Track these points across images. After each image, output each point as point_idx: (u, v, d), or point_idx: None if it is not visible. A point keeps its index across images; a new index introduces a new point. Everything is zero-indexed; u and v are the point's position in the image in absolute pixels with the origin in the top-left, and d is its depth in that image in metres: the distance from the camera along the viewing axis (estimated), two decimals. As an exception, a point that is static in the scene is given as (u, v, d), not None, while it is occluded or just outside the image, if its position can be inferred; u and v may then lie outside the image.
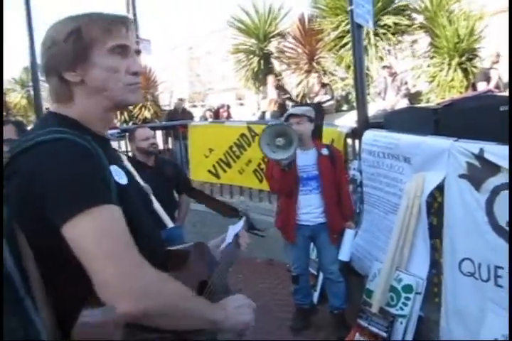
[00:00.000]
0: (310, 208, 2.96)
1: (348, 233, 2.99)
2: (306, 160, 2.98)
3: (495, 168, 2.05)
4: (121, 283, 0.79)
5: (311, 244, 3.17)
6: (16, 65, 14.06)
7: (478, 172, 2.16)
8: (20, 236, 0.82)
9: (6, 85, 14.94)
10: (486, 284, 2.05)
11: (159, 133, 5.89)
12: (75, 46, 0.93)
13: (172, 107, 9.87)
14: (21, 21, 5.47)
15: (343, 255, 2.99)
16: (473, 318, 2.11)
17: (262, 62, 10.21)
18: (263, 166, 4.95)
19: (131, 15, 12.85)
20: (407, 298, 2.38)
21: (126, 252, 0.82)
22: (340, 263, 3.05)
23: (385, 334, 2.43)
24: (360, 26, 3.27)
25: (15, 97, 14.54)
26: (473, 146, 2.12)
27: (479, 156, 2.11)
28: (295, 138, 2.67)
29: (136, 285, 0.80)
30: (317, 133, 3.16)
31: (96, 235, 0.80)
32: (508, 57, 5.74)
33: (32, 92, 7.53)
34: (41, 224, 0.83)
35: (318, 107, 4.80)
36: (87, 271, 0.81)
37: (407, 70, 8.50)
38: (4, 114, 13.54)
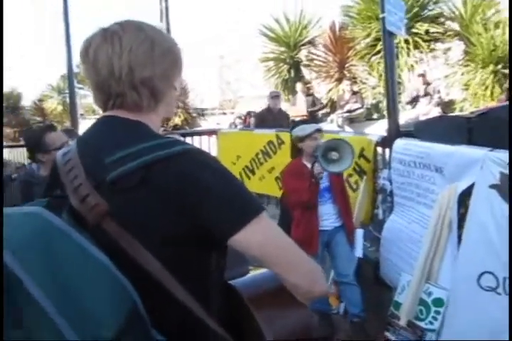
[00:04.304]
0: (327, 216, 3.09)
1: (359, 232, 3.19)
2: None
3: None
4: (311, 274, 0.88)
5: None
6: (54, 72, 14.53)
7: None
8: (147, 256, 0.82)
9: (43, 92, 15.47)
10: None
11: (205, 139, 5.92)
12: (181, 57, 0.97)
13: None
14: (60, 29, 5.67)
15: (358, 252, 3.15)
16: (494, 333, 2.02)
17: (292, 70, 10.24)
18: None
19: (164, 25, 13.16)
20: (437, 312, 2.30)
21: (296, 247, 0.89)
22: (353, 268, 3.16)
23: (413, 349, 2.36)
24: (391, 34, 3.24)
25: (52, 103, 15.01)
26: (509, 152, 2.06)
27: (515, 167, 2.04)
28: (349, 152, 2.81)
29: (317, 273, 0.89)
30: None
31: (276, 239, 0.87)
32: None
33: (67, 99, 7.80)
34: (183, 232, 0.84)
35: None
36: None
37: (440, 78, 8.35)
38: (40, 119, 14.00)
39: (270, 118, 6.59)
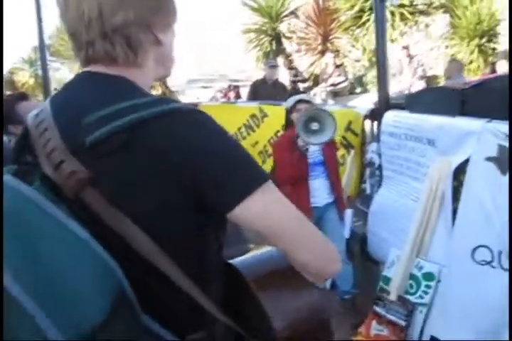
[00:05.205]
0: (319, 192, 3.01)
1: (348, 212, 3.19)
2: (311, 146, 2.94)
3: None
4: (325, 252, 0.79)
5: None
6: (25, 44, 13.91)
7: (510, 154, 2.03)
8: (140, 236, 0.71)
9: (15, 64, 14.83)
10: (506, 273, 1.94)
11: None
12: (173, 8, 0.85)
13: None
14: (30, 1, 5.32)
15: (346, 233, 3.18)
16: (488, 308, 2.00)
17: (273, 42, 9.99)
18: (268, 148, 4.82)
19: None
20: (428, 286, 2.27)
21: (308, 221, 0.79)
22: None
23: (403, 323, 2.33)
24: (382, 0, 3.10)
25: (23, 76, 14.42)
26: (508, 127, 1.99)
27: (514, 138, 1.97)
28: (330, 122, 2.66)
29: (330, 249, 0.80)
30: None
31: (284, 212, 0.76)
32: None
33: (39, 72, 7.43)
34: (180, 203, 0.74)
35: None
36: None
37: (423, 54, 8.26)
38: (9, 92, 13.46)
39: (263, 89, 6.05)
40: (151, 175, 0.71)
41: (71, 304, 0.64)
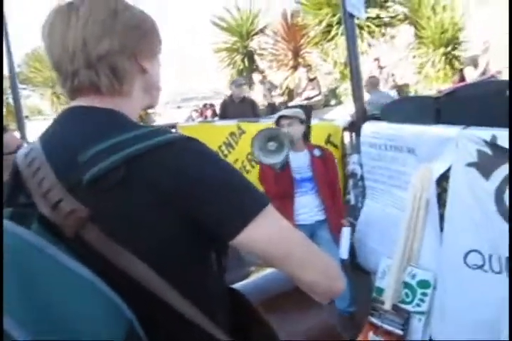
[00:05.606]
0: (306, 209, 2.95)
1: (345, 230, 3.01)
2: (299, 161, 2.95)
3: (508, 155, 1.97)
4: (330, 271, 0.79)
5: None
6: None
7: (490, 159, 2.08)
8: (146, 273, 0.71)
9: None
10: (499, 276, 1.97)
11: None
12: (158, 38, 0.88)
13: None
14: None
15: (343, 253, 3.00)
16: (484, 311, 2.03)
17: (245, 60, 10.12)
18: (246, 164, 4.84)
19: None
20: (424, 294, 2.29)
21: (309, 241, 0.79)
22: (340, 262, 2.99)
23: (401, 332, 2.33)
24: (352, 16, 3.18)
25: (-7, 106, 14.18)
26: (485, 133, 2.04)
27: (491, 143, 2.02)
28: (286, 142, 2.60)
29: (334, 268, 0.81)
30: (307, 135, 3.20)
31: (286, 234, 0.76)
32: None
33: (10, 100, 7.32)
34: (179, 233, 0.74)
35: (306, 109, 4.75)
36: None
37: (390, 64, 8.49)
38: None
39: (232, 108, 6.17)
40: (148, 208, 0.70)
41: None
